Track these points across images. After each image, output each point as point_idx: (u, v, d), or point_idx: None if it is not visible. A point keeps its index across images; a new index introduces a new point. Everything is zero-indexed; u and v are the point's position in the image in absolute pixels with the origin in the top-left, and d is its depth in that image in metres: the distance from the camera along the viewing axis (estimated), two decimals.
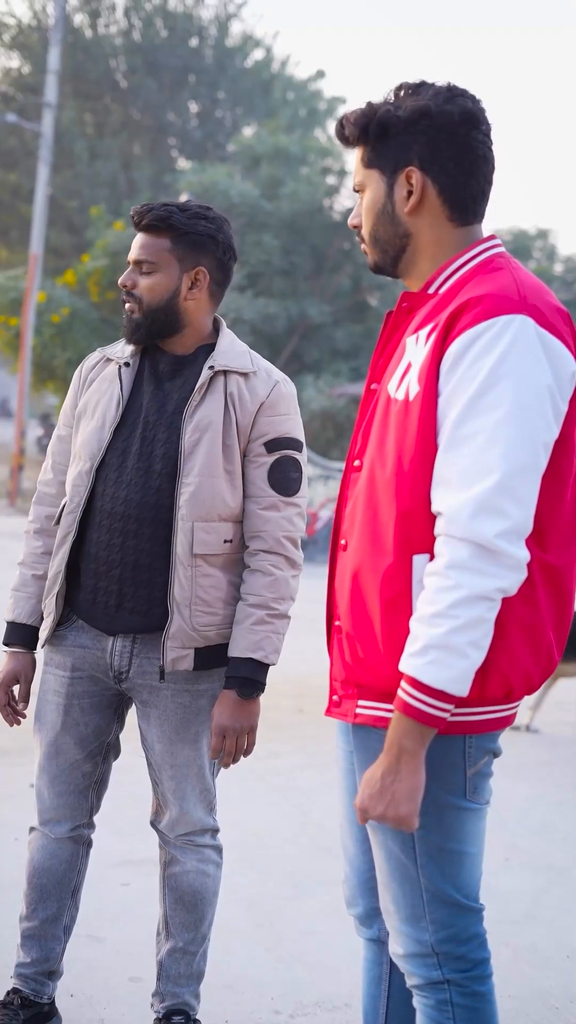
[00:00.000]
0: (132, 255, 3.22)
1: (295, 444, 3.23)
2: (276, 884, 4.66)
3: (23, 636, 3.34)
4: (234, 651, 3.15)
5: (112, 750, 3.37)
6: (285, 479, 3.20)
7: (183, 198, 21.00)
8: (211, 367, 3.17)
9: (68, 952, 3.51)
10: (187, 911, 3.32)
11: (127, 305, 3.22)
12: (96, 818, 3.41)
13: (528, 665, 2.33)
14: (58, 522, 3.26)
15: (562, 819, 5.75)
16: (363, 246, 2.52)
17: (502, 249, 2.42)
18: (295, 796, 5.78)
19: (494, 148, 2.43)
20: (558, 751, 7.03)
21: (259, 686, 3.17)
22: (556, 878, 4.94)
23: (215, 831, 3.35)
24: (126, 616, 3.16)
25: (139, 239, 3.23)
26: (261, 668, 3.15)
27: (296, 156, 27.74)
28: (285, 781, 6.00)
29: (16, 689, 3.36)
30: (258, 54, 37.60)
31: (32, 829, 3.38)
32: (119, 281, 3.22)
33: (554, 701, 8.00)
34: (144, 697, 3.22)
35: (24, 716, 3.39)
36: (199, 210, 3.23)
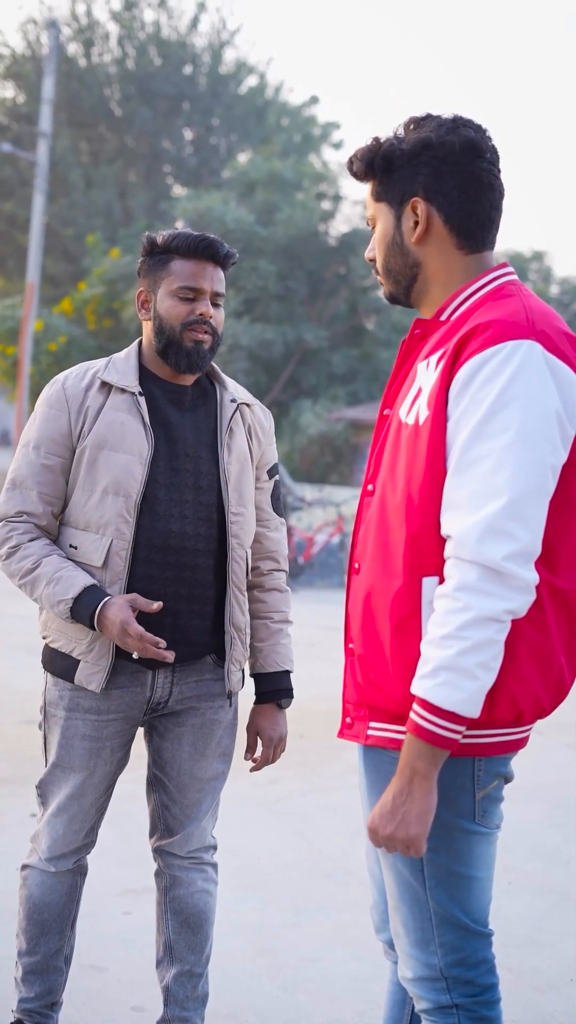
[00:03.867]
0: (211, 286, 3.14)
1: (279, 468, 3.43)
2: (278, 911, 4.64)
3: (105, 593, 3.05)
4: (270, 666, 3.35)
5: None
6: (280, 501, 3.42)
7: (179, 225, 21.03)
8: (233, 400, 3.25)
9: (71, 982, 3.50)
10: (193, 933, 3.32)
11: (204, 335, 3.14)
12: (98, 847, 3.40)
13: (538, 689, 2.34)
14: (105, 563, 3.06)
15: (565, 842, 5.73)
16: (379, 278, 2.58)
17: (514, 277, 2.46)
18: (296, 822, 5.76)
19: (501, 176, 2.46)
20: (561, 773, 7.01)
21: (292, 694, 3.41)
22: (559, 902, 4.92)
23: (215, 848, 3.40)
24: (178, 647, 3.15)
25: (212, 271, 3.15)
26: (290, 678, 3.40)
27: (291, 182, 27.86)
28: (286, 807, 5.99)
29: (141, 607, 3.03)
30: (252, 80, 37.84)
31: (25, 867, 3.33)
32: (199, 311, 3.12)
33: (555, 723, 7.98)
34: (181, 719, 3.25)
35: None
36: None
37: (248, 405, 3.31)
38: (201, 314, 3.12)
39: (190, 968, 3.33)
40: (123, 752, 3.25)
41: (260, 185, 28.07)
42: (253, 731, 3.36)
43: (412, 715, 2.22)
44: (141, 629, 2.98)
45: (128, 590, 3.08)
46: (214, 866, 3.39)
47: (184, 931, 3.32)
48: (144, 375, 3.21)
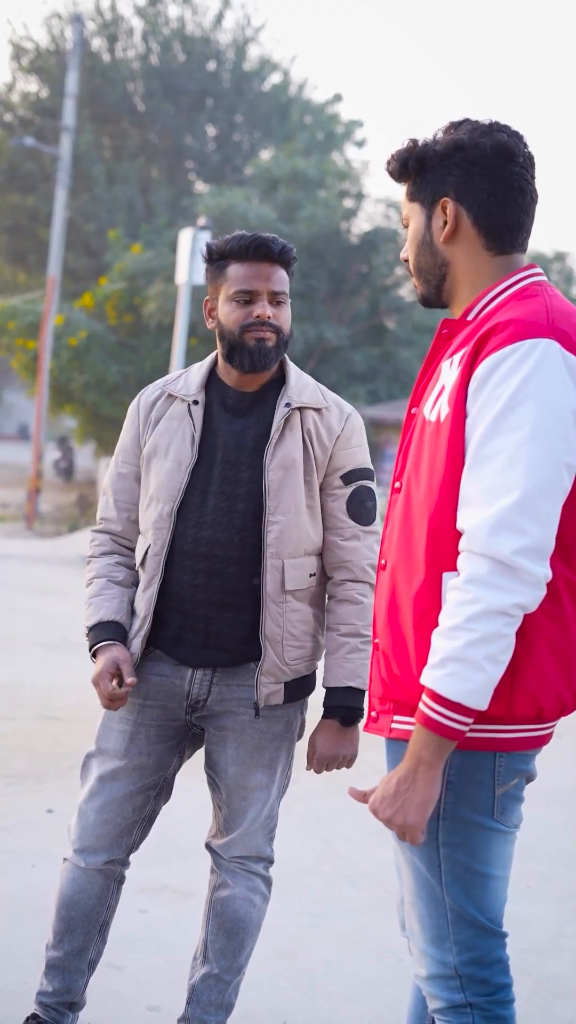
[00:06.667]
0: (267, 286, 3.15)
1: (369, 474, 3.30)
2: (297, 913, 4.62)
3: (115, 632, 3.22)
4: (331, 681, 3.23)
5: (166, 789, 3.35)
6: (363, 508, 3.27)
7: (201, 222, 20.99)
8: (288, 404, 3.20)
9: None
10: (227, 938, 3.31)
11: (267, 334, 3.15)
12: None
13: (559, 685, 2.35)
14: (143, 564, 3.23)
15: None
16: (413, 279, 2.61)
17: (542, 278, 2.47)
18: (315, 824, 5.73)
19: (534, 182, 2.48)
20: None
21: (360, 713, 3.22)
22: None
23: (270, 861, 3.36)
24: (212, 652, 3.18)
25: (269, 271, 3.16)
26: (360, 695, 3.21)
27: (314, 179, 27.83)
28: (305, 809, 5.95)
29: (122, 672, 3.17)
30: (276, 78, 37.77)
31: (65, 859, 3.33)
32: (256, 313, 3.14)
33: (575, 725, 7.92)
34: (221, 722, 3.24)
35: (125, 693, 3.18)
36: None
37: (316, 409, 3.23)
38: (258, 316, 3.13)
39: (218, 973, 3.31)
40: (162, 747, 3.26)
41: (283, 183, 28.06)
42: (311, 744, 3.29)
43: (420, 705, 2.26)
44: (109, 690, 3.13)
45: (160, 594, 3.18)
46: (265, 879, 3.35)
47: (220, 934, 3.31)
48: (212, 382, 3.25)
